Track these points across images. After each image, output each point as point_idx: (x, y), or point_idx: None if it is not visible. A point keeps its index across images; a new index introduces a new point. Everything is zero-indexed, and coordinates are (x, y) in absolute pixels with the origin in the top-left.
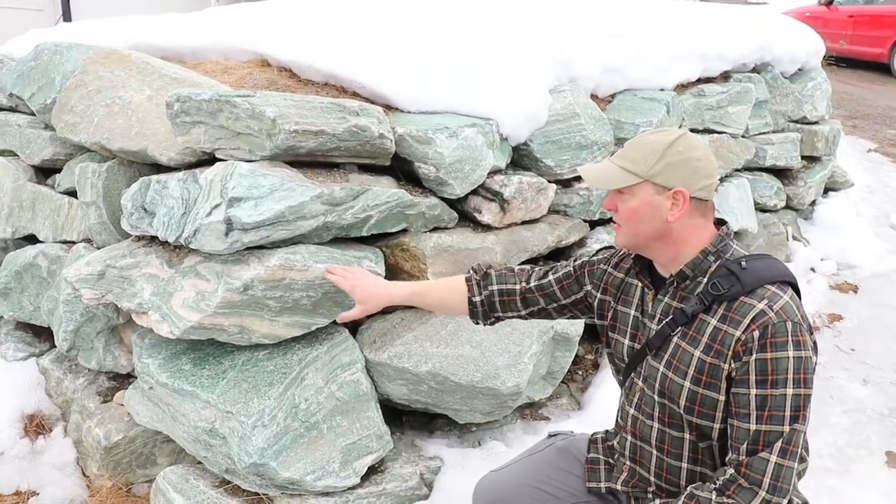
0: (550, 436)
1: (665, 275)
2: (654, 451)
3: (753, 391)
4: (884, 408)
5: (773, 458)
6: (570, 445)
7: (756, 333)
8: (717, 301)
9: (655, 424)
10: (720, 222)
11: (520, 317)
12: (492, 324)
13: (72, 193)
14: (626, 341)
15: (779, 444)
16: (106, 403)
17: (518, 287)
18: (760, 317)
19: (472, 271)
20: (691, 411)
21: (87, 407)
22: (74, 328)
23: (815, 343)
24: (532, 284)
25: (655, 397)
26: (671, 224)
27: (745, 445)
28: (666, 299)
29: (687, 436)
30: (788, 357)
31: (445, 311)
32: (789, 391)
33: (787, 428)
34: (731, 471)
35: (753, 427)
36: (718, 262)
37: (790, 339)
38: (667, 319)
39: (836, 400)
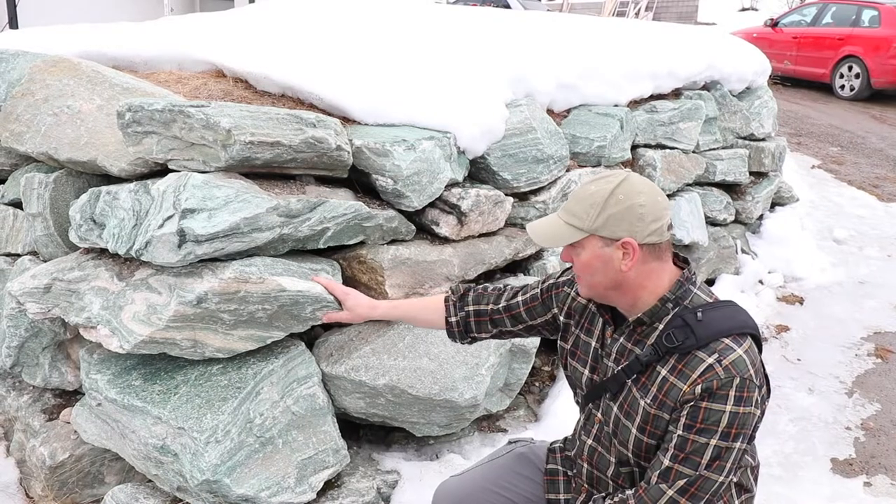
0: (511, 442)
1: (626, 315)
2: (611, 482)
3: (679, 432)
4: (828, 416)
5: (670, 493)
6: (529, 452)
7: (699, 388)
8: (670, 352)
9: (612, 459)
10: (684, 261)
11: (492, 336)
12: (470, 343)
13: (17, 205)
14: (586, 372)
15: (682, 482)
16: (51, 421)
17: (489, 308)
18: (707, 372)
19: (450, 291)
20: (638, 456)
21: (31, 425)
22: (19, 344)
23: (763, 397)
24: (500, 305)
25: (612, 436)
26: (626, 273)
27: (655, 475)
28: (622, 340)
29: (637, 474)
30: (724, 411)
31: (427, 326)
32: (713, 441)
33: (698, 473)
34: (629, 492)
35: (667, 463)
36: (676, 310)
37: (733, 393)
38: (623, 363)
39: (784, 409)
